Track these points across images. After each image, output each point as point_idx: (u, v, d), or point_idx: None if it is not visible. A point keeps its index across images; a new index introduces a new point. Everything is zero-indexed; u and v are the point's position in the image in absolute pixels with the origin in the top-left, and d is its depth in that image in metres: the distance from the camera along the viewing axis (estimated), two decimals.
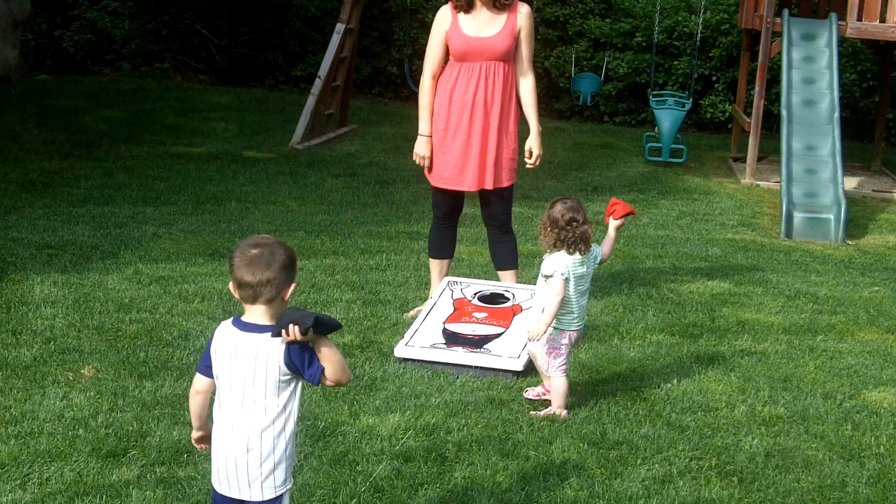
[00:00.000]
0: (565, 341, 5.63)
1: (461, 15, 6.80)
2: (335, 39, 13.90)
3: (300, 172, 11.88)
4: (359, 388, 5.72)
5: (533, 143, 6.94)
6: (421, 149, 6.98)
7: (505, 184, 6.94)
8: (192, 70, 18.67)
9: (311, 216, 9.80)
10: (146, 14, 18.26)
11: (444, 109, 6.90)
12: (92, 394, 5.39)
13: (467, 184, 6.91)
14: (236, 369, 3.52)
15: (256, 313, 3.52)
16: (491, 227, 7.14)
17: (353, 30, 14.32)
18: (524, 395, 5.83)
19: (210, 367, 3.58)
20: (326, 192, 11.00)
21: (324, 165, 12.38)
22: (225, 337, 3.56)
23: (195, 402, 3.68)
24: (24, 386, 5.47)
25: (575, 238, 5.53)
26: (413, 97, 17.59)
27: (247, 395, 3.51)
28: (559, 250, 5.56)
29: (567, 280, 5.54)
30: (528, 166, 6.98)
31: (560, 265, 5.53)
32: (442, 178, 6.97)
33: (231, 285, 3.54)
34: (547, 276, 5.56)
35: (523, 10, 6.83)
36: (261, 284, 3.47)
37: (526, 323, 6.36)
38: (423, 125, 6.96)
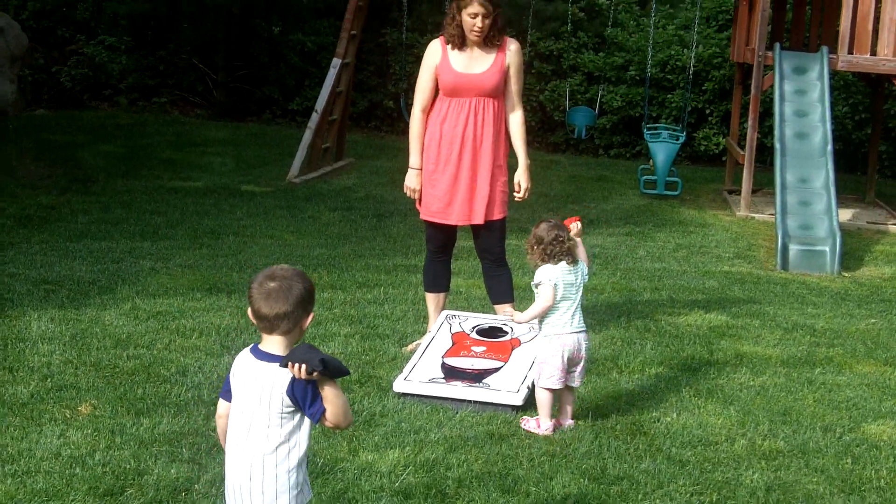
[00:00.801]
0: (555, 351, 5.79)
1: (452, 50, 6.85)
2: (332, 74, 13.96)
3: (297, 206, 11.90)
4: (358, 424, 5.70)
5: (522, 175, 6.97)
6: (411, 182, 7.02)
7: (496, 217, 6.96)
8: (189, 104, 18.73)
9: (309, 250, 9.80)
10: (143, 49, 18.34)
11: (434, 144, 6.93)
12: (89, 431, 5.37)
13: (455, 218, 6.95)
14: (247, 395, 3.57)
15: (273, 343, 3.58)
16: (485, 260, 7.15)
17: (350, 64, 14.38)
18: (522, 424, 5.85)
19: (230, 391, 3.66)
20: (324, 226, 11.01)
21: (321, 199, 12.40)
22: (242, 363, 3.62)
23: (220, 426, 3.76)
24: (21, 423, 5.45)
25: (561, 251, 5.81)
26: (408, 131, 17.67)
27: (253, 421, 3.55)
28: (546, 264, 5.82)
29: (556, 287, 5.77)
30: (517, 199, 7.01)
31: (548, 273, 5.80)
32: (431, 212, 7.00)
33: (249, 313, 3.60)
34: (536, 285, 5.81)
35: (512, 47, 6.88)
36: (278, 317, 3.53)
37: (525, 357, 6.37)
38: (414, 158, 7.00)
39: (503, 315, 6.62)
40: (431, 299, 7.26)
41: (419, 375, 6.24)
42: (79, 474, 4.90)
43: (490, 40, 6.79)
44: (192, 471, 5.02)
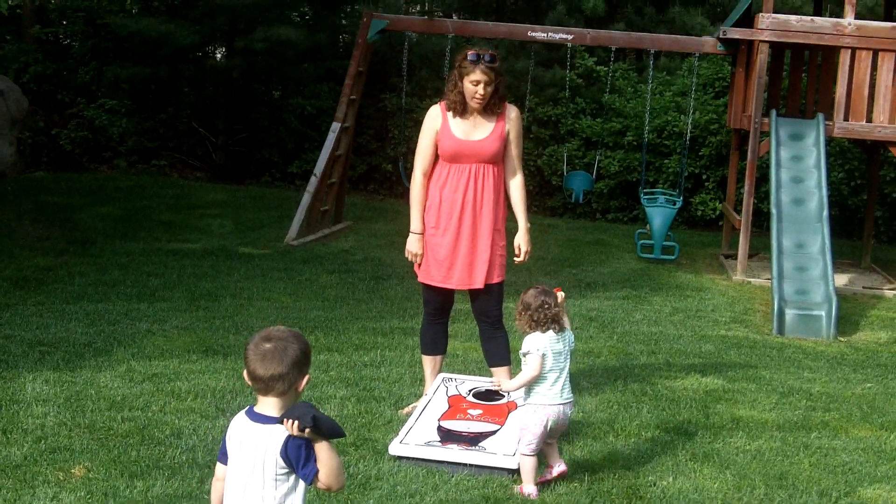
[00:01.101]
0: (539, 420, 5.79)
1: (452, 117, 6.87)
2: (331, 137, 14.06)
3: (295, 269, 11.92)
4: (353, 487, 5.68)
5: (521, 239, 6.98)
6: (413, 246, 7.02)
7: (494, 280, 6.96)
8: (188, 167, 18.82)
9: (306, 312, 9.80)
10: (144, 112, 18.46)
11: (433, 209, 6.94)
12: (82, 494, 5.35)
13: (455, 282, 6.95)
14: (242, 458, 3.59)
15: (268, 405, 3.60)
16: (482, 322, 7.14)
17: (349, 128, 14.48)
18: (517, 489, 5.82)
19: (226, 454, 3.67)
20: (321, 288, 11.02)
21: (318, 261, 12.42)
22: (237, 426, 3.64)
23: (216, 490, 3.75)
24: (14, 486, 5.42)
25: (547, 318, 5.85)
26: (407, 193, 17.78)
27: (248, 484, 3.57)
28: (534, 332, 5.85)
29: (544, 357, 5.80)
30: (516, 262, 7.01)
31: (536, 343, 5.82)
32: (430, 276, 7.01)
33: (245, 374, 3.64)
34: (524, 354, 5.83)
35: (512, 115, 6.91)
36: (273, 379, 3.57)
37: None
38: (415, 223, 7.00)
39: (494, 381, 6.60)
40: (428, 362, 7.26)
41: (415, 438, 6.22)
42: None
43: (491, 108, 6.83)
44: None
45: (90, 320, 8.92)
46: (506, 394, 6.75)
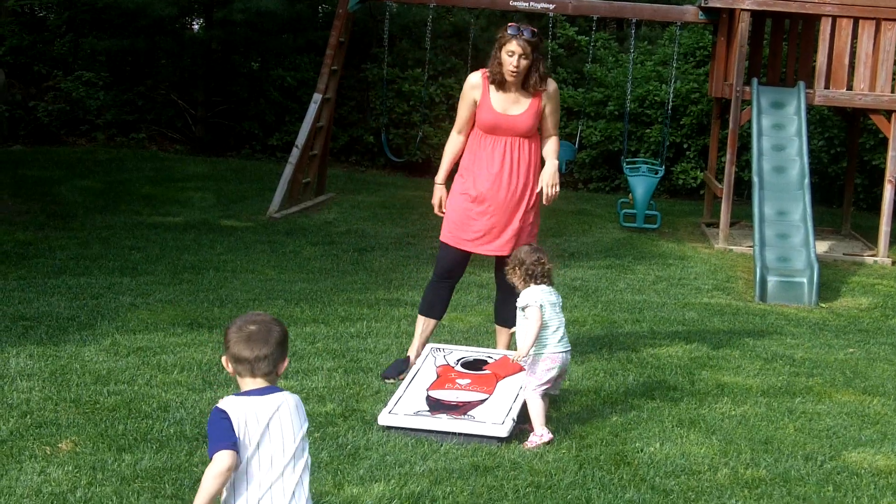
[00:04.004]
0: (546, 367, 6.08)
1: (494, 90, 6.93)
2: (312, 109, 14.01)
3: (278, 241, 11.89)
4: (342, 458, 5.68)
5: (547, 173, 6.98)
6: (434, 197, 7.20)
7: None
8: (168, 140, 18.74)
9: (290, 284, 9.79)
10: (121, 85, 18.35)
11: (469, 174, 7.05)
12: (70, 468, 5.33)
13: (486, 249, 7.06)
14: (274, 432, 3.61)
15: (251, 386, 3.60)
16: (503, 291, 7.18)
17: (330, 99, 14.43)
18: (528, 446, 5.98)
19: (236, 443, 3.56)
20: (305, 261, 11.00)
21: (302, 234, 12.40)
22: (249, 407, 3.60)
23: (225, 480, 3.57)
24: (1, 461, 5.39)
25: (543, 272, 6.17)
26: (389, 166, 17.80)
27: (287, 455, 3.63)
28: (528, 286, 6.12)
29: (542, 308, 6.05)
30: (544, 202, 7.04)
31: (534, 295, 6.08)
32: (453, 237, 7.09)
33: (225, 360, 3.62)
34: (523, 308, 6.06)
35: (550, 89, 6.97)
36: (258, 359, 3.60)
37: (510, 389, 6.39)
38: (440, 174, 7.19)
39: (512, 356, 6.56)
40: (421, 322, 7.28)
41: (404, 408, 6.22)
42: None
43: (531, 84, 6.88)
44: None
45: (73, 294, 8.88)
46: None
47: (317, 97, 14.02)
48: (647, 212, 13.94)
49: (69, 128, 18.30)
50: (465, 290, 9.39)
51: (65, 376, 6.72)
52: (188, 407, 6.27)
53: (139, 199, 13.88)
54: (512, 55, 6.78)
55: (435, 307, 7.31)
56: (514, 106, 6.93)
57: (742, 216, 14.20)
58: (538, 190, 7.00)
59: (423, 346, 7.17)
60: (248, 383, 3.63)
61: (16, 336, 7.55)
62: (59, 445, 5.63)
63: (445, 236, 7.16)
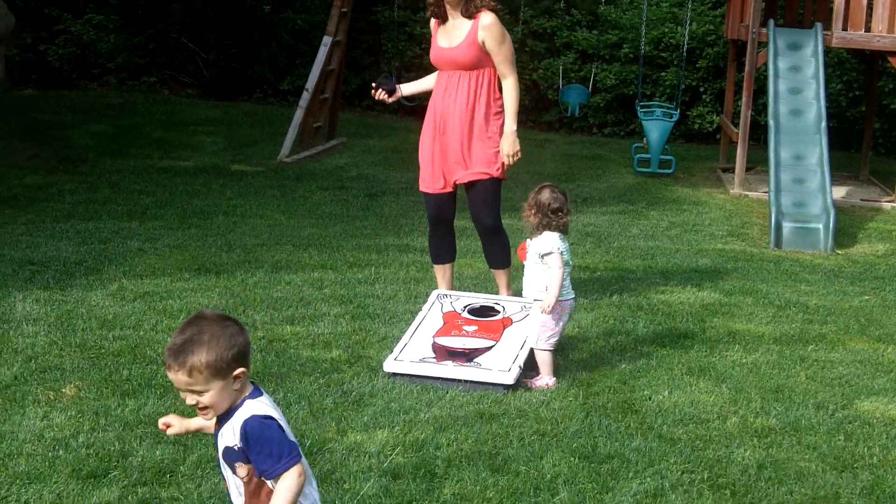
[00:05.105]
0: (557, 315, 6.04)
1: (439, 27, 7.03)
2: (322, 52, 13.86)
3: (288, 186, 11.81)
4: (347, 405, 5.63)
5: (504, 142, 6.99)
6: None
7: (473, 178, 7.03)
8: (179, 84, 18.61)
9: (299, 230, 9.72)
10: (132, 28, 18.19)
11: (427, 116, 7.18)
12: (73, 413, 5.30)
13: (433, 186, 7.15)
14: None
15: (250, 386, 3.40)
16: (477, 226, 7.26)
17: (341, 42, 14.27)
18: (533, 384, 6.04)
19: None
20: (315, 206, 10.93)
21: (312, 178, 12.32)
22: (274, 405, 3.39)
23: (300, 487, 3.33)
24: (4, 406, 5.36)
25: (559, 225, 6.08)
26: (402, 109, 17.63)
27: None
28: (542, 232, 6.02)
29: (562, 254, 5.99)
30: (504, 164, 7.02)
31: (555, 242, 6.01)
32: (425, 183, 7.24)
33: (241, 372, 3.28)
34: (544, 255, 6.00)
35: (485, 21, 6.86)
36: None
37: (517, 336, 6.33)
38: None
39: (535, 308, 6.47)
40: (438, 270, 7.45)
41: (410, 355, 6.17)
42: (62, 456, 4.83)
43: (466, 10, 6.85)
44: (178, 453, 4.94)
45: (81, 239, 8.83)
46: (502, 309, 6.70)
47: (327, 40, 13.86)
48: (662, 156, 13.80)
49: (80, 71, 18.17)
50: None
51: (70, 321, 6.69)
52: None
53: (150, 143, 13.79)
54: None
55: (442, 253, 7.38)
56: (451, 39, 6.94)
57: (759, 161, 14.04)
58: (502, 161, 7.00)
59: (450, 289, 7.31)
60: (248, 386, 3.38)
61: (22, 281, 7.51)
62: (63, 390, 5.60)
63: (420, 183, 7.28)
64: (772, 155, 11.53)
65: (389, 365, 6.09)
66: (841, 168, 14.40)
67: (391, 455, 5.04)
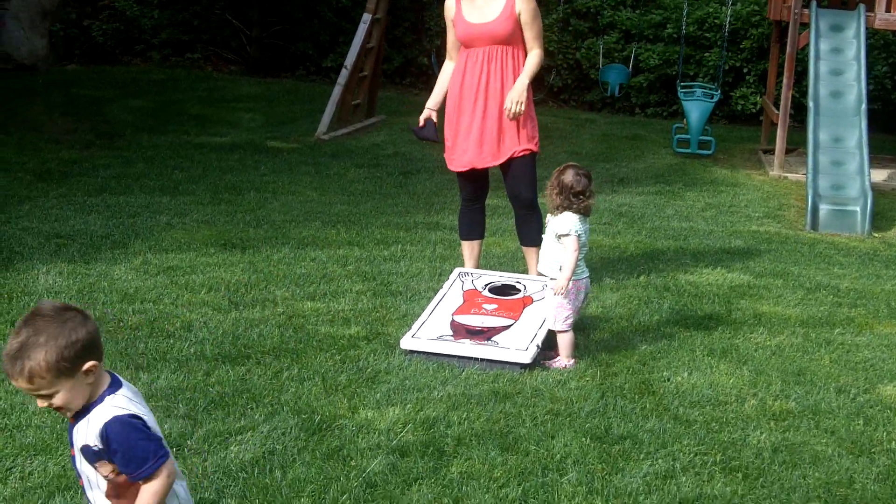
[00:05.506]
0: (573, 294, 5.98)
1: (464, 2, 6.96)
2: (362, 29, 13.81)
3: (323, 163, 11.79)
4: (361, 381, 5.61)
5: (514, 91, 6.91)
6: (421, 117, 7.29)
7: (515, 155, 7.00)
8: (222, 61, 18.63)
9: (330, 206, 9.70)
10: (176, 4, 18.22)
11: (456, 95, 7.08)
12: None
13: (474, 163, 7.07)
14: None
15: (108, 378, 3.22)
16: (513, 204, 7.24)
17: (381, 19, 14.22)
18: (553, 365, 6.01)
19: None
20: (348, 183, 10.90)
21: (348, 156, 12.29)
22: (140, 400, 3.22)
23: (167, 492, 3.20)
24: None
25: (580, 209, 6.00)
26: None
27: None
28: (563, 212, 5.98)
29: (580, 237, 5.93)
30: (507, 118, 6.97)
31: (573, 224, 5.94)
32: (453, 161, 7.18)
33: (92, 365, 3.07)
34: (561, 235, 5.93)
35: None
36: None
37: (536, 315, 6.28)
38: (430, 99, 7.28)
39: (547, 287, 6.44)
40: (466, 247, 7.42)
41: (427, 333, 6.14)
42: None
43: None
44: (186, 427, 4.95)
45: (110, 213, 8.86)
46: (523, 288, 6.65)
47: (366, 17, 13.81)
48: (702, 137, 13.64)
49: (124, 47, 18.23)
50: (506, 215, 9.22)
51: (92, 294, 6.71)
52: (211, 327, 6.24)
53: (189, 119, 13.81)
54: None
55: (474, 230, 7.39)
56: (486, 13, 6.90)
57: (800, 143, 13.84)
58: (505, 107, 6.94)
59: (476, 267, 7.31)
60: (105, 377, 3.16)
61: (48, 254, 7.54)
62: None
63: (448, 162, 7.24)
64: (810, 137, 11.37)
65: (406, 342, 6.06)
66: (884, 151, 14.19)
67: (401, 433, 5.02)
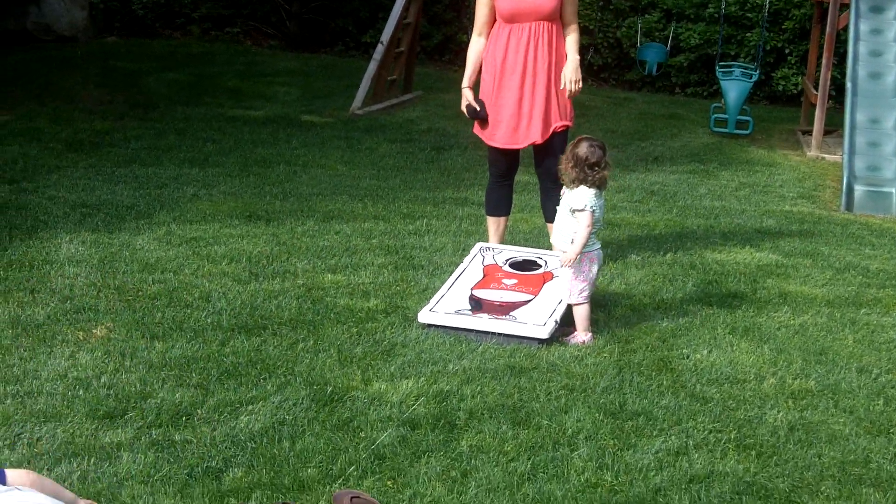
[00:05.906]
0: (586, 267, 5.96)
1: None
2: (399, 4, 13.74)
3: (355, 137, 11.76)
4: (376, 354, 5.59)
5: (568, 69, 6.95)
6: (462, 102, 7.16)
7: (557, 129, 7.00)
8: (262, 35, 18.62)
9: (359, 180, 9.67)
10: None
11: (497, 71, 7.02)
12: (99, 354, 5.32)
13: (519, 141, 7.05)
14: None
15: None
16: (545, 180, 7.16)
17: None
18: (571, 340, 5.97)
19: None
20: (379, 157, 10.86)
21: (381, 131, 12.25)
22: None
23: None
24: (32, 345, 5.40)
25: (595, 181, 5.92)
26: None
27: None
28: (578, 186, 5.91)
29: (594, 212, 5.87)
30: (567, 95, 6.97)
31: (588, 199, 5.89)
32: (494, 138, 7.11)
33: None
34: (576, 210, 5.88)
35: None
36: None
37: (555, 290, 6.23)
38: (465, 79, 7.15)
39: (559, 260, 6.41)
40: (492, 223, 7.39)
41: (446, 307, 6.10)
42: (81, 396, 4.85)
43: None
44: (198, 396, 4.95)
45: (138, 183, 8.88)
46: (544, 263, 6.60)
47: None
48: (740, 117, 13.48)
49: (164, 21, 18.25)
50: (534, 192, 9.16)
51: (113, 264, 6.72)
52: (230, 298, 6.24)
53: (224, 92, 13.80)
54: None
55: (500, 206, 7.37)
56: None
57: (840, 124, 13.65)
58: (561, 87, 6.94)
59: (501, 243, 7.27)
60: None
61: (72, 223, 7.56)
62: (94, 331, 5.63)
63: (486, 138, 7.17)
64: (847, 117, 11.22)
65: (424, 316, 6.03)
66: None
67: (413, 405, 5.00)
